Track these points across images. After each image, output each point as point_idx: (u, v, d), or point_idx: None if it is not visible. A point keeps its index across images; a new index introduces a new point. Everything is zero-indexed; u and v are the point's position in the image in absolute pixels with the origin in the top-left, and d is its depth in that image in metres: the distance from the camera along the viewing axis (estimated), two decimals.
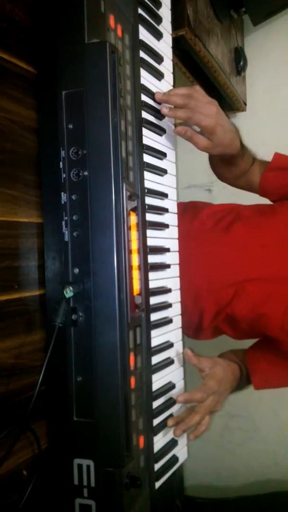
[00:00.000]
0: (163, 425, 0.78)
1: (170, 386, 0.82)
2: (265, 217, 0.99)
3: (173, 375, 0.84)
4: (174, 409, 0.83)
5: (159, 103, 0.83)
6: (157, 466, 0.76)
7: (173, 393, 0.83)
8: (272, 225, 0.97)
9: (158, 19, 0.85)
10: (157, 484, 0.76)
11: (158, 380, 0.78)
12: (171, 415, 0.81)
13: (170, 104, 0.82)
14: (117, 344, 0.60)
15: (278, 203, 1.02)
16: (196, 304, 0.97)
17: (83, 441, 0.61)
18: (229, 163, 0.96)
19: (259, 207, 1.03)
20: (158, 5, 0.86)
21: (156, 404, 0.76)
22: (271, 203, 1.05)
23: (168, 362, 0.82)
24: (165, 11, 0.88)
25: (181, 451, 0.85)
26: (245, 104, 1.83)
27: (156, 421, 0.76)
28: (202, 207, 1.08)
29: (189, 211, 1.06)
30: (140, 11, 0.78)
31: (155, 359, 0.77)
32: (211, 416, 0.85)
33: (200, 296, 0.96)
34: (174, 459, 0.82)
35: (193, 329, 1.03)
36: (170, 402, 0.81)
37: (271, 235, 0.96)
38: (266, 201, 1.06)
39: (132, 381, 0.66)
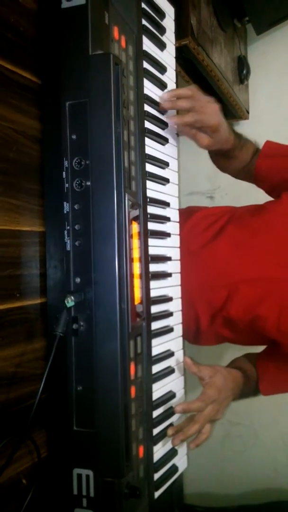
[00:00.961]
0: (163, 434, 0.78)
1: (170, 396, 0.82)
2: (255, 217, 0.99)
3: (173, 384, 0.84)
4: (174, 419, 0.83)
5: (163, 113, 0.84)
6: (156, 476, 0.76)
7: (173, 403, 0.83)
8: (261, 225, 0.97)
9: (162, 30, 0.86)
10: (157, 494, 0.75)
11: (158, 390, 0.78)
12: (171, 425, 0.81)
13: (176, 109, 0.83)
14: (117, 353, 0.60)
15: (268, 202, 1.03)
16: (190, 307, 0.96)
17: (83, 451, 0.61)
18: (227, 156, 0.98)
19: (250, 208, 1.04)
20: (162, 15, 0.86)
21: (156, 413, 0.76)
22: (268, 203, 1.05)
23: (169, 371, 0.82)
24: (168, 22, 0.89)
25: (181, 461, 0.85)
26: (248, 112, 1.84)
27: (156, 431, 0.76)
28: (196, 210, 1.08)
29: (183, 216, 1.06)
30: (144, 22, 0.79)
31: (156, 368, 0.77)
32: (212, 424, 0.85)
33: (193, 300, 0.96)
34: (174, 468, 0.82)
35: (192, 334, 1.03)
36: (170, 412, 0.81)
37: (260, 235, 0.96)
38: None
39: (133, 390, 0.66)
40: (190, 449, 0.83)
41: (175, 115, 0.83)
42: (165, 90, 0.85)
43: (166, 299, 0.84)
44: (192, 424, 0.79)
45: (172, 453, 0.81)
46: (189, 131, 0.86)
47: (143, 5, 0.79)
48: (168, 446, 0.81)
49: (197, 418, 0.81)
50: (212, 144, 0.89)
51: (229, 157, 0.99)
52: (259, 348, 1.04)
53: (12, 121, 0.63)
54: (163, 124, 0.84)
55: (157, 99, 0.82)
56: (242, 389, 0.93)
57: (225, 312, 0.94)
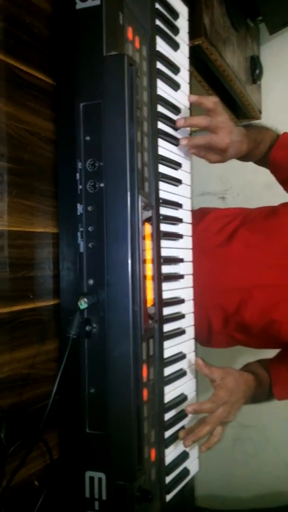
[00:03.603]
0: (174, 437, 0.77)
1: (182, 398, 0.81)
2: (268, 220, 0.98)
3: (185, 386, 0.83)
4: (185, 421, 0.82)
5: (175, 114, 0.83)
6: (168, 479, 0.75)
7: (185, 405, 0.82)
8: (275, 228, 0.96)
9: (175, 30, 0.85)
10: (168, 497, 0.75)
11: (170, 392, 0.77)
12: (182, 427, 0.81)
13: (192, 127, 0.83)
14: (130, 356, 0.60)
15: (282, 204, 1.02)
16: (202, 310, 0.96)
17: (95, 454, 0.61)
18: (243, 158, 0.98)
19: (263, 210, 1.03)
20: (176, 16, 0.86)
21: (168, 416, 0.76)
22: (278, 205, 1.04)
23: (181, 373, 0.82)
24: (182, 22, 0.89)
25: (192, 464, 0.84)
26: (260, 112, 1.82)
27: (167, 434, 0.75)
28: (208, 212, 1.08)
29: (195, 217, 1.06)
30: (157, 22, 0.78)
31: (168, 371, 0.77)
32: (223, 427, 0.84)
33: (205, 303, 0.96)
34: (185, 471, 0.81)
35: (204, 336, 1.02)
36: (182, 414, 0.80)
37: (274, 238, 0.95)
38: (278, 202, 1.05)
39: (145, 393, 0.66)
40: (201, 451, 0.82)
41: (187, 137, 0.84)
42: (180, 116, 0.85)
43: (178, 301, 0.83)
44: (203, 426, 0.79)
45: (183, 456, 0.81)
46: (199, 153, 0.87)
47: (157, 6, 0.78)
48: (180, 449, 0.80)
49: (208, 419, 0.80)
50: (222, 161, 0.90)
51: (246, 158, 0.98)
52: (273, 352, 1.03)
53: (26, 122, 0.63)
54: (175, 125, 0.83)
55: (170, 100, 0.82)
56: (255, 393, 0.92)
57: (239, 316, 0.93)
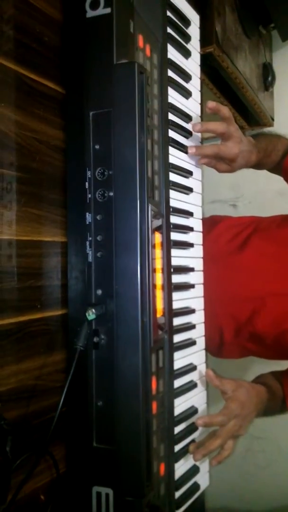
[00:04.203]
0: (184, 451, 0.76)
1: (192, 411, 0.80)
2: (281, 228, 0.96)
3: (195, 399, 0.82)
4: (196, 435, 0.80)
5: (187, 122, 0.83)
6: (177, 494, 0.74)
7: (195, 418, 0.80)
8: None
9: (187, 38, 0.85)
10: None
11: (180, 405, 0.76)
12: (193, 441, 0.79)
13: (208, 132, 0.82)
14: (139, 368, 0.58)
15: None
16: (214, 320, 0.94)
17: (103, 469, 0.59)
18: (255, 167, 0.97)
19: (275, 218, 1.01)
20: (187, 23, 0.85)
21: (177, 429, 0.74)
22: None
23: (191, 385, 0.80)
24: (193, 29, 0.88)
25: (202, 478, 0.82)
26: (273, 119, 1.80)
27: (177, 448, 0.74)
28: (220, 220, 1.06)
29: (206, 225, 1.04)
30: (169, 30, 0.78)
31: (178, 383, 0.75)
32: (235, 440, 0.82)
33: (217, 312, 0.94)
34: (195, 486, 0.79)
35: (215, 346, 1.01)
36: (192, 428, 0.79)
37: (286, 247, 0.93)
38: None
39: (154, 406, 0.65)
40: (211, 466, 0.80)
41: (195, 146, 0.83)
42: (195, 122, 0.85)
43: (189, 311, 0.82)
44: (214, 439, 0.77)
45: (193, 470, 0.79)
46: (209, 162, 0.86)
47: (169, 13, 0.78)
48: (190, 463, 0.79)
49: (219, 433, 0.78)
50: (231, 171, 0.89)
51: (257, 167, 0.97)
52: (286, 363, 1.01)
53: (35, 131, 0.63)
54: (186, 133, 0.82)
55: (182, 108, 0.81)
56: (267, 405, 0.90)
57: (251, 326, 0.92)
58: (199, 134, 0.86)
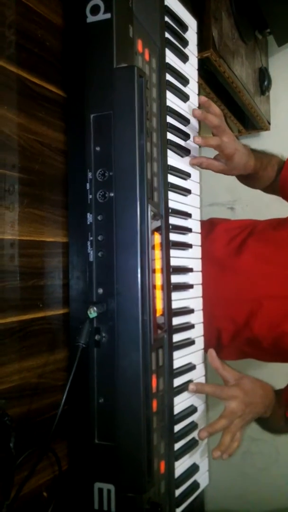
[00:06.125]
0: (184, 449, 0.76)
1: (191, 410, 0.80)
2: (278, 231, 0.97)
3: (195, 398, 0.83)
4: (195, 433, 0.81)
5: (184, 125, 0.84)
6: (178, 492, 0.74)
7: (194, 417, 0.81)
8: (284, 240, 0.95)
9: (185, 42, 0.86)
10: (178, 511, 0.74)
11: (179, 403, 0.77)
12: (193, 439, 0.80)
13: (206, 120, 0.84)
14: (139, 366, 0.59)
15: None
16: (212, 322, 0.94)
17: (104, 465, 0.60)
18: (251, 178, 0.99)
19: (272, 221, 1.02)
20: (185, 28, 0.87)
21: (177, 428, 0.75)
22: None
23: None
24: (191, 34, 0.90)
25: (202, 477, 0.83)
26: (269, 123, 1.82)
27: (177, 446, 0.75)
28: (218, 223, 1.07)
29: (205, 228, 1.05)
30: (167, 35, 0.79)
31: (177, 382, 0.76)
32: (242, 432, 0.82)
33: (214, 314, 0.95)
34: (196, 485, 0.80)
35: (213, 347, 1.01)
36: (192, 426, 0.79)
37: (284, 249, 0.94)
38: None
39: (154, 404, 0.65)
40: (223, 459, 0.78)
41: (200, 136, 0.85)
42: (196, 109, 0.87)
43: (188, 311, 0.83)
44: (218, 419, 0.77)
45: (193, 469, 0.80)
46: (201, 164, 0.88)
47: (166, 19, 0.79)
48: (190, 461, 0.79)
49: (227, 431, 0.78)
50: (227, 170, 0.90)
51: (253, 178, 0.99)
52: (284, 365, 1.01)
53: (38, 133, 0.64)
54: (185, 136, 0.84)
55: (179, 111, 0.83)
56: (274, 407, 0.88)
57: (248, 329, 0.92)
58: (197, 145, 0.87)
